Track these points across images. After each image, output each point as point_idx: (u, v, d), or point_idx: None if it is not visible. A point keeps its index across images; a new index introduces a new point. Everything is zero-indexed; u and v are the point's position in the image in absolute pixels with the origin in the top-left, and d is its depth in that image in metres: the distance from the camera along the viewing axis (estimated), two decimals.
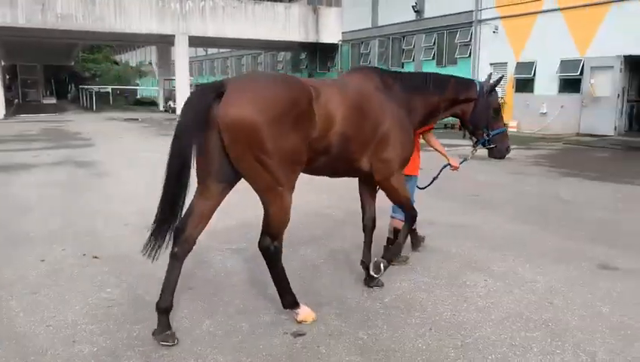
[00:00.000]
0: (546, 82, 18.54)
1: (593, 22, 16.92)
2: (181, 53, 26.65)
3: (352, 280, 4.45)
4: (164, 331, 3.37)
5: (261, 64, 39.53)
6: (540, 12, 18.58)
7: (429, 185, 5.00)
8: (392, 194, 4.07)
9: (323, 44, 29.77)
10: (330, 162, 3.64)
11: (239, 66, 42.59)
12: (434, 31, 23.57)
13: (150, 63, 53.08)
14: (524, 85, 19.63)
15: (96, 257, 4.99)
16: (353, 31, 28.46)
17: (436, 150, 4.98)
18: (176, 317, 3.77)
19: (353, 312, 3.85)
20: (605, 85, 16.80)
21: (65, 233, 5.79)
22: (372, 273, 4.18)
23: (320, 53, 31.47)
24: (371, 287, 4.28)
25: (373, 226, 4.29)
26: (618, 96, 16.61)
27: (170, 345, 3.32)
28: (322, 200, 7.31)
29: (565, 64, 17.87)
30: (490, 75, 4.54)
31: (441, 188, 8.34)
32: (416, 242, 5.21)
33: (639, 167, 10.99)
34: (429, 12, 23.70)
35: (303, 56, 33.87)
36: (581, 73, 17.31)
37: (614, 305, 3.99)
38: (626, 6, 16.03)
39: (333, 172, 3.88)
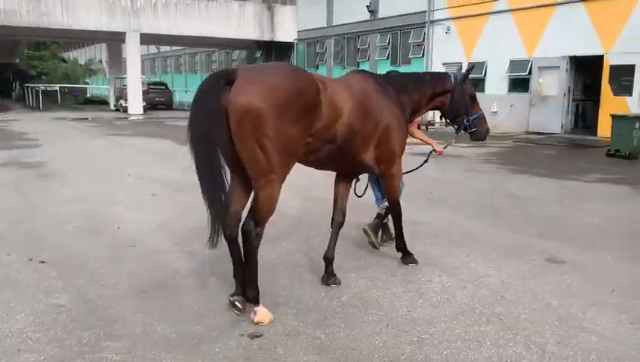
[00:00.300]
0: (497, 82, 19.07)
1: (540, 23, 17.52)
2: (132, 51, 26.02)
3: (309, 280, 4.44)
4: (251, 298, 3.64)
5: (215, 62, 39.05)
6: (491, 13, 19.09)
7: (416, 168, 5.31)
8: (389, 182, 4.48)
9: (278, 42, 29.70)
10: (335, 154, 3.86)
11: (193, 65, 41.92)
12: (388, 31, 23.87)
13: (100, 61, 51.57)
14: (475, 85, 19.83)
15: (43, 262, 4.80)
16: (308, 30, 28.50)
17: (422, 140, 5.29)
18: (127, 321, 3.66)
19: (310, 311, 3.84)
20: (552, 85, 17.43)
21: (9, 237, 5.55)
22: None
23: (275, 52, 31.36)
24: (329, 285, 4.30)
25: (343, 221, 4.43)
26: (564, 95, 17.26)
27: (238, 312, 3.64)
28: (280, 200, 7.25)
29: (514, 64, 18.42)
30: (469, 67, 5.07)
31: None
32: (388, 235, 5.32)
33: (584, 164, 11.45)
34: (383, 12, 23.98)
35: (258, 54, 33.65)
36: (529, 73, 17.90)
37: (562, 297, 4.13)
38: (570, 8, 16.67)
39: (336, 164, 4.15)
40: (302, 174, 9.30)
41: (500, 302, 4.05)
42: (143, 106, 27.27)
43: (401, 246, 4.79)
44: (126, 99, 27.43)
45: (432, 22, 21.47)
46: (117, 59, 33.93)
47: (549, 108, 17.43)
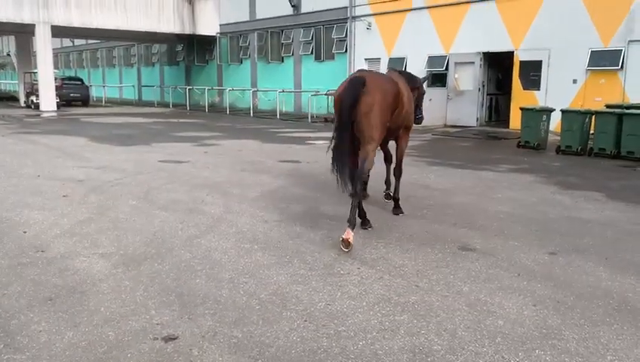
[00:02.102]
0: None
1: (455, 21, 18.20)
2: (43, 44, 24.54)
3: (227, 278, 4.38)
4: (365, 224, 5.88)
5: (134, 56, 37.68)
6: (409, 10, 19.60)
7: None
8: (403, 147, 6.62)
9: (200, 36, 29.04)
10: (393, 129, 5.99)
11: (110, 58, 40.22)
12: (311, 26, 23.95)
13: (8, 54, 48.28)
14: None
15: None
16: (231, 23, 28.08)
17: None
18: (31, 332, 3.45)
19: (228, 311, 3.79)
20: (468, 80, 18.17)
21: None
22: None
23: (198, 46, 30.68)
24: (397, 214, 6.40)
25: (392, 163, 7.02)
26: (479, 90, 18.03)
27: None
28: (200, 197, 7.15)
29: (432, 60, 19.03)
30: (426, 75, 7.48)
31: (317, 180, 8.55)
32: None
33: (497, 155, 12.03)
34: (305, 7, 24.02)
35: (179, 48, 32.78)
36: (446, 68, 18.55)
37: (472, 284, 4.32)
38: (482, 6, 17.44)
39: (391, 135, 6.28)
40: (230, 176, 9.15)
41: (414, 291, 4.17)
42: (57, 103, 25.83)
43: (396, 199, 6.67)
44: (37, 95, 25.87)
45: (354, 18, 21.76)
46: (26, 53, 31.90)
47: (465, 102, 18.15)
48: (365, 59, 21.57)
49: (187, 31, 28.26)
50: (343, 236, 5.10)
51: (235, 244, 5.24)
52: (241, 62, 28.46)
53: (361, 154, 5.36)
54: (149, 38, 30.97)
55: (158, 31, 27.36)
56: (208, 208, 6.65)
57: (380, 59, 21.02)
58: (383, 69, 20.67)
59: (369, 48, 21.29)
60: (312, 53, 24.19)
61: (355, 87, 5.23)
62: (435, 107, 18.79)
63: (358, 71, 5.81)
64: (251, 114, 24.20)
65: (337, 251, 5.04)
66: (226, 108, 26.50)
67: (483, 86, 18.17)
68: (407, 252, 5.06)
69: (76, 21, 24.94)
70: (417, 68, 19.49)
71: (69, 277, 4.39)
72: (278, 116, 22.38)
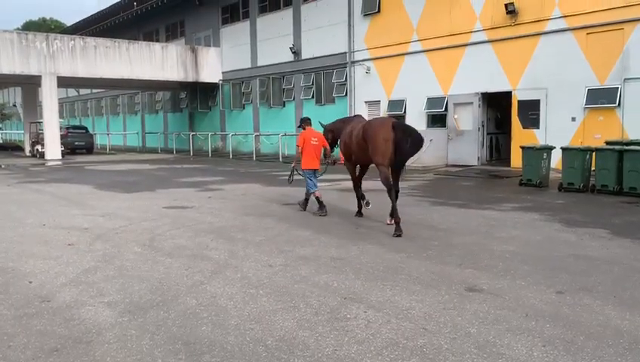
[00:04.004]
0: (416, 118, 19.85)
1: (453, 62, 18.56)
2: (49, 94, 25.02)
3: (234, 325, 4.35)
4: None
5: (139, 104, 38.32)
6: (407, 54, 20.03)
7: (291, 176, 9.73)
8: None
9: (203, 83, 29.59)
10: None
11: (114, 107, 40.89)
12: (312, 71, 24.42)
13: (15, 105, 49.16)
14: None
15: None
16: (233, 70, 28.66)
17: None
18: None
19: (235, 358, 3.75)
20: (467, 119, 18.38)
21: None
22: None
23: (200, 92, 31.22)
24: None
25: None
26: (479, 130, 18.20)
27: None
28: (205, 242, 7.17)
29: (432, 101, 19.31)
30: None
31: (322, 222, 8.56)
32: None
33: (499, 193, 12.07)
34: (305, 53, 24.56)
35: (182, 95, 33.36)
36: (446, 109, 18.80)
37: (481, 325, 4.28)
38: (478, 48, 17.82)
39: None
40: (234, 221, 9.18)
41: (422, 334, 4.13)
42: (62, 151, 26.14)
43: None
44: (43, 144, 26.20)
45: (353, 62, 22.22)
46: (32, 103, 32.49)
47: (466, 142, 18.31)
48: (365, 102, 21.90)
49: (190, 78, 28.83)
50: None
51: (241, 290, 5.22)
52: (244, 108, 28.89)
53: (397, 177, 8.56)
54: (152, 85, 31.61)
55: (161, 79, 27.92)
56: (213, 254, 6.65)
57: (379, 101, 21.34)
58: (383, 111, 20.96)
59: (369, 91, 21.65)
60: (312, 97, 24.59)
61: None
62: (436, 147, 18.95)
63: (357, 117, 7.52)
64: (254, 158, 24.42)
65: (343, 294, 5.02)
66: (229, 152, 26.76)
67: (482, 125, 18.36)
68: (413, 294, 5.03)
69: (81, 71, 25.51)
70: (417, 109, 19.78)
71: (75, 326, 4.37)
72: (280, 159, 22.57)
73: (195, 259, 6.42)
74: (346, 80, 22.67)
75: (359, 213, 9.29)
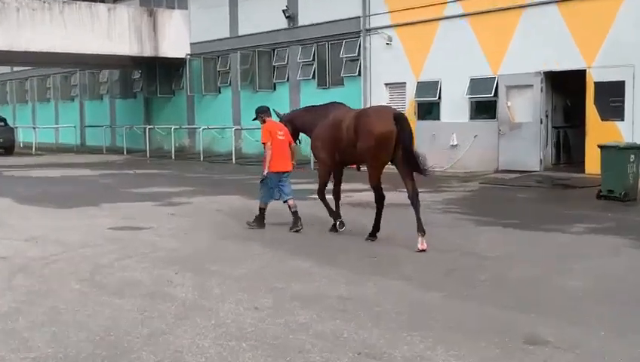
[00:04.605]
0: (455, 106, 19.88)
1: (505, 31, 18.58)
2: None
3: None
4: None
5: (76, 86, 38.45)
6: (442, 19, 20.08)
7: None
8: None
9: (164, 58, 29.69)
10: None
11: (43, 90, 40.96)
12: (312, 42, 24.51)
13: None
14: (429, 111, 20.91)
15: None
16: (206, 42, 28.77)
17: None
18: None
19: None
20: (525, 108, 18.38)
21: None
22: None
23: (161, 71, 31.32)
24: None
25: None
26: (541, 122, 18.20)
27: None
28: (166, 276, 7.18)
29: (476, 83, 19.35)
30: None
31: (325, 247, 8.56)
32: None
33: (568, 210, 12.06)
34: (304, 19, 24.64)
35: (136, 75, 33.49)
36: (495, 94, 18.84)
37: None
38: (541, 12, 17.82)
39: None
40: (206, 246, 9.20)
41: None
42: None
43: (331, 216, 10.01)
44: None
45: (369, 30, 22.30)
46: None
47: (523, 139, 18.30)
48: (386, 85, 21.97)
49: (147, 52, 28.92)
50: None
51: (216, 342, 5.22)
52: (220, 92, 28.98)
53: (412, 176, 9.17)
54: (95, 62, 31.67)
55: (108, 52, 27.97)
56: (178, 292, 6.65)
57: (404, 83, 21.38)
58: (410, 97, 21.00)
59: (390, 70, 21.70)
60: (313, 77, 24.67)
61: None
62: (483, 146, 18.95)
63: (335, 105, 9.66)
64: (233, 160, 24.47)
65: (357, 349, 5.01)
66: (199, 153, 26.83)
67: (546, 116, 18.37)
68: (453, 348, 5.02)
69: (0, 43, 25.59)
70: (456, 94, 19.80)
71: None
72: (312, 164, 22.54)
73: (154, 298, 6.42)
74: (358, 54, 22.74)
75: (335, 228, 9.95)
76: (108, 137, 34.48)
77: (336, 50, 23.64)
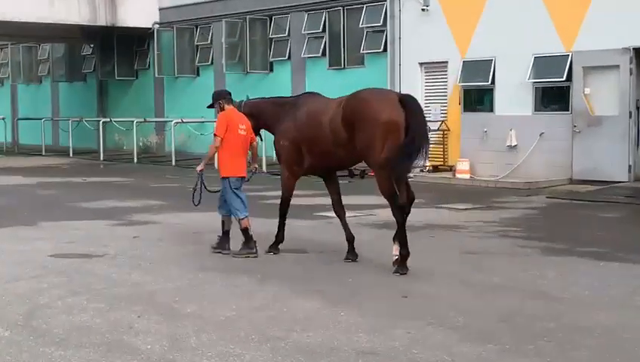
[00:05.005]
0: (514, 94, 19.80)
1: None
2: None
3: None
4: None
5: (5, 64, 38.45)
6: None
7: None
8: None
9: (125, 29, 29.74)
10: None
11: None
12: (322, 8, 24.56)
13: None
14: (479, 99, 20.88)
15: None
16: (180, 6, 28.86)
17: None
18: None
19: None
20: (609, 97, 18.29)
21: None
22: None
23: (120, 46, 31.38)
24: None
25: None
26: (630, 116, 18.09)
27: None
28: (126, 320, 7.16)
29: (542, 63, 19.29)
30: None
31: (337, 281, 8.52)
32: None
33: None
34: None
35: (87, 51, 33.56)
36: (568, 78, 18.76)
37: None
38: None
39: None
40: (179, 280, 9.21)
41: None
42: None
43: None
44: None
45: None
46: None
47: (607, 138, 18.18)
48: (420, 64, 21.98)
49: (102, 20, 28.96)
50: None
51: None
52: (198, 74, 29.05)
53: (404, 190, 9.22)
54: (32, 32, 31.74)
55: (49, 21, 28.00)
56: (140, 342, 6.63)
57: (446, 63, 21.37)
58: (454, 80, 20.94)
59: (427, 45, 21.67)
60: (323, 54, 24.70)
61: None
62: (551, 147, 18.87)
63: (308, 95, 9.84)
64: (216, 164, 24.38)
65: None
66: (170, 154, 26.83)
67: (637, 108, 18.28)
68: None
69: None
70: (515, 77, 19.72)
71: None
72: (264, 166, 22.52)
73: (110, 351, 6.41)
74: (384, 24, 22.74)
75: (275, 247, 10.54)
76: (48, 133, 34.59)
77: (355, 18, 23.67)
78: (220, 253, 10.37)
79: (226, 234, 10.49)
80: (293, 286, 8.67)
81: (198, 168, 10.61)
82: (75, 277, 9.15)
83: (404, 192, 9.16)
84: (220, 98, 10.62)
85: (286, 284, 8.75)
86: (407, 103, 9.12)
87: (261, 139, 11.06)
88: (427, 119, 19.17)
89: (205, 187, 10.55)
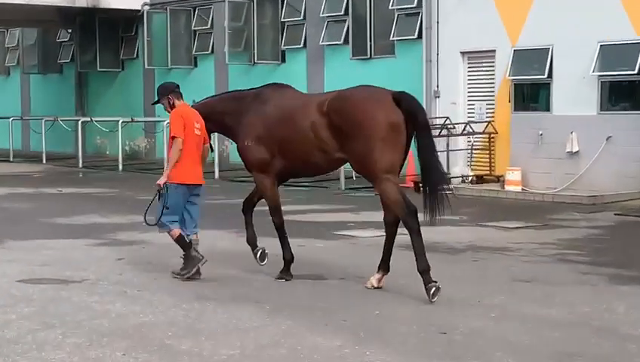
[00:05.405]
0: (575, 90, 19.75)
1: None
2: None
3: None
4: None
5: None
6: None
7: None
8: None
9: (109, 11, 29.89)
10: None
11: None
12: None
13: None
14: (533, 96, 20.84)
15: None
16: None
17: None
18: None
19: None
20: None
21: None
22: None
23: (103, 32, 31.54)
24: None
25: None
26: None
27: None
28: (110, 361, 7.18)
29: (610, 52, 19.27)
30: None
31: (370, 316, 8.50)
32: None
33: None
34: None
35: (65, 37, 33.72)
36: None
37: None
38: None
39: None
40: (173, 312, 9.22)
41: None
42: None
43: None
44: None
45: None
46: None
47: None
48: (462, 53, 21.98)
49: (81, 1, 29.14)
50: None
51: None
52: (196, 65, 29.19)
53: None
54: (0, 15, 31.96)
55: (20, 1, 28.19)
56: None
57: (493, 51, 21.36)
58: (503, 72, 20.91)
59: (470, 31, 21.72)
60: (345, 41, 24.74)
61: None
62: (621, 154, 18.81)
63: (276, 88, 10.70)
64: (216, 173, 24.56)
65: None
66: (162, 161, 26.90)
67: None
68: None
69: None
70: (577, 69, 19.67)
71: None
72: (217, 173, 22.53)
73: None
74: (419, 5, 22.78)
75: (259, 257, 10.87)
76: (17, 135, 34.80)
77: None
78: (191, 275, 10.41)
79: (187, 245, 10.51)
80: (309, 319, 8.65)
81: (161, 181, 10.40)
82: (49, 306, 9.17)
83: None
84: (169, 92, 10.66)
85: (300, 317, 8.73)
86: (404, 102, 9.26)
87: (212, 150, 11.05)
88: (471, 119, 19.24)
89: (165, 205, 10.38)
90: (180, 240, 10.39)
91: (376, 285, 9.71)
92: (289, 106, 10.05)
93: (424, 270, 9.17)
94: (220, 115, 10.83)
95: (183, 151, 10.23)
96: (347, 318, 8.69)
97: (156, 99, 10.92)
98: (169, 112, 10.64)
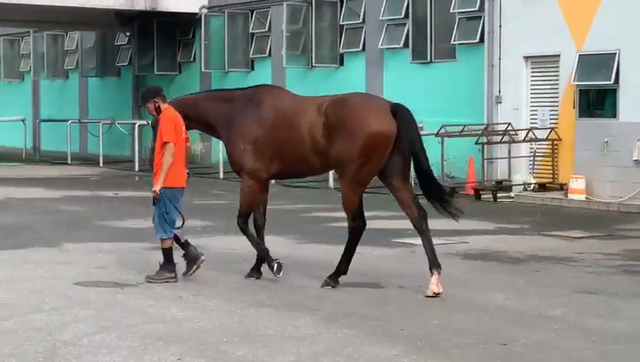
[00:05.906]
0: None
1: None
2: None
3: None
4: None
5: (27, 57, 39.02)
6: None
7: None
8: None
9: (167, 15, 30.02)
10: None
11: None
12: None
13: None
14: (598, 102, 20.62)
15: None
16: None
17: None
18: None
19: None
20: None
21: None
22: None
23: (161, 36, 31.70)
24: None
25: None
26: None
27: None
28: None
29: None
30: None
31: (428, 326, 8.46)
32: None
33: None
34: None
35: (123, 40, 33.94)
36: None
37: None
38: None
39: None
40: (228, 318, 9.25)
41: None
42: None
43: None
44: None
45: None
46: None
47: None
48: (525, 58, 21.81)
49: (140, 4, 29.30)
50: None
51: None
52: (252, 68, 29.23)
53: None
54: (58, 18, 32.19)
55: (78, 5, 28.39)
56: None
57: (557, 56, 21.16)
58: (568, 77, 20.73)
59: (533, 35, 21.54)
60: (405, 45, 24.68)
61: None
62: None
63: (266, 89, 10.75)
64: (221, 173, 24.89)
65: None
66: (217, 166, 26.94)
67: None
68: None
69: None
70: None
71: None
72: (331, 183, 22.47)
73: None
74: (482, 9, 22.66)
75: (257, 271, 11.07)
76: (75, 138, 35.02)
77: (445, 2, 23.70)
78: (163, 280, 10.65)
79: (185, 246, 10.82)
80: (366, 327, 8.61)
81: (157, 188, 10.52)
82: (105, 309, 9.25)
83: (414, 206, 9.84)
84: (155, 96, 10.66)
85: (357, 325, 8.69)
86: (400, 113, 9.45)
87: (190, 144, 11.14)
88: (533, 125, 19.10)
89: (165, 211, 10.63)
90: (169, 251, 10.66)
91: (437, 290, 9.62)
92: (287, 107, 10.15)
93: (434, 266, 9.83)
94: (203, 115, 10.95)
95: (175, 155, 10.34)
96: (404, 327, 8.65)
97: (140, 103, 11.03)
98: (154, 115, 10.73)
